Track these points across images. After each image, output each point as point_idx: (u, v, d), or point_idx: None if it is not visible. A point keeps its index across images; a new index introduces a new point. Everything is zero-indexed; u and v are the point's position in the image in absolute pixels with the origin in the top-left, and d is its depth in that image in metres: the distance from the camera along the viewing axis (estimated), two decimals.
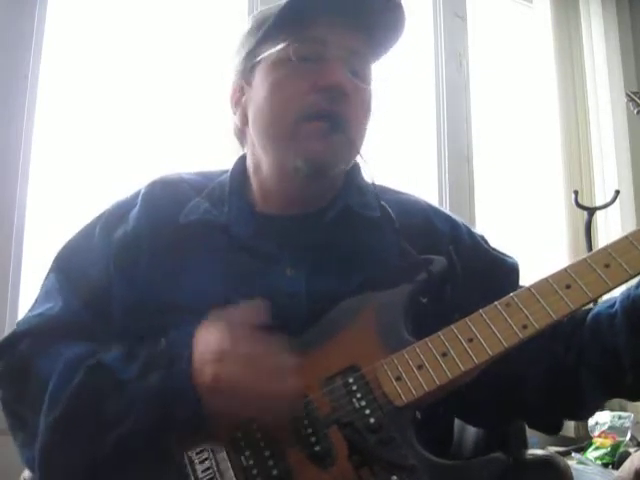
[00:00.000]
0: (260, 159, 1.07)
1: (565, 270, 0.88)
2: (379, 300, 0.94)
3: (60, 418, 0.84)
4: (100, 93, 2.02)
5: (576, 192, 2.43)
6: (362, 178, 1.12)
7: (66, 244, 1.08)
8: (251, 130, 1.07)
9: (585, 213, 2.40)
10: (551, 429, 1.07)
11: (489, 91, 2.73)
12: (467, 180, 2.51)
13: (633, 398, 1.04)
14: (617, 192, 2.38)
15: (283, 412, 0.81)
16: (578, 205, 2.42)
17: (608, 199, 2.42)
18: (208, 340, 0.83)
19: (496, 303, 0.87)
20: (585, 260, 0.88)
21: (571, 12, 2.94)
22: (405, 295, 0.94)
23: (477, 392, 0.97)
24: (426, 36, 2.60)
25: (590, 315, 1.00)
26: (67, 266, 1.05)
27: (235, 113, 1.11)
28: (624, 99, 2.00)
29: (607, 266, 0.86)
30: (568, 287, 0.86)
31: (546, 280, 0.88)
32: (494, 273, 1.09)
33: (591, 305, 0.94)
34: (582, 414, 1.09)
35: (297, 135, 0.99)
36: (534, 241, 2.66)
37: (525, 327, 0.84)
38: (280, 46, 1.01)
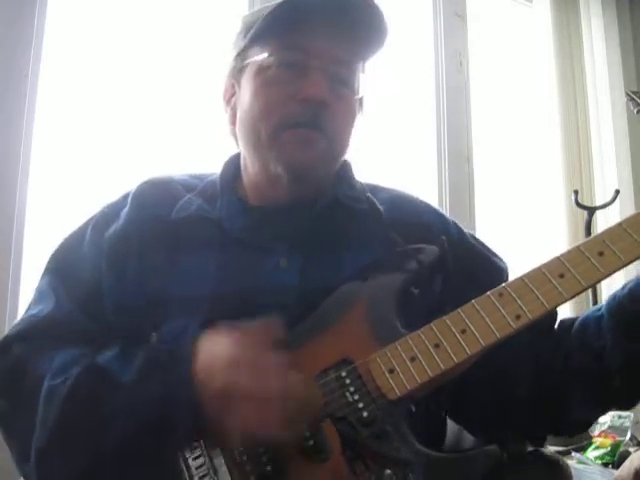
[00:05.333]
0: (247, 159, 1.09)
1: (558, 259, 0.87)
2: (371, 292, 0.94)
3: (56, 420, 0.84)
4: (100, 93, 2.02)
5: (576, 192, 2.43)
6: (352, 175, 1.14)
7: (59, 246, 1.09)
8: (237, 131, 1.09)
9: (585, 213, 2.41)
10: (536, 441, 1.06)
11: (489, 91, 2.73)
12: (467, 180, 2.51)
13: (622, 406, 1.01)
14: (617, 192, 2.38)
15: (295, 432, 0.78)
16: (578, 205, 2.42)
17: (608, 199, 2.43)
18: (215, 349, 0.81)
19: (489, 293, 0.87)
20: (578, 248, 0.87)
21: (571, 12, 2.94)
22: (397, 286, 0.93)
23: (466, 402, 0.99)
24: (426, 36, 2.60)
25: (578, 319, 1.00)
26: (60, 267, 1.05)
27: (226, 111, 1.13)
28: (624, 99, 2.00)
29: (601, 254, 0.85)
30: (561, 276, 0.85)
31: (539, 269, 0.87)
32: (482, 270, 1.09)
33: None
34: (568, 424, 1.04)
35: (276, 142, 1.00)
36: (534, 241, 2.66)
37: (518, 317, 0.83)
38: (264, 55, 1.03)
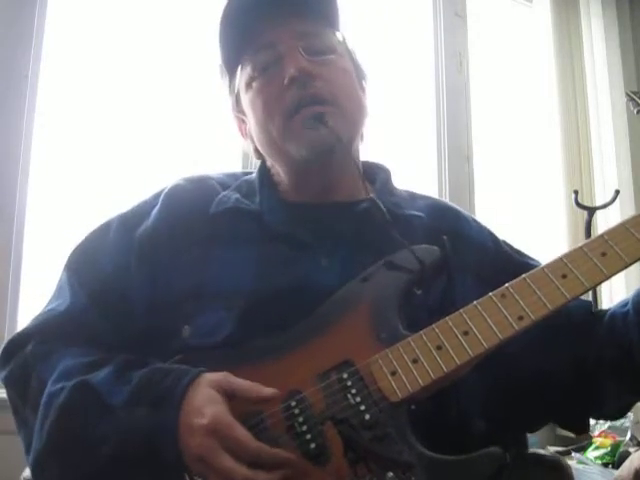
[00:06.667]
0: (278, 172, 1.11)
1: (561, 259, 0.87)
2: (372, 293, 0.93)
3: (50, 431, 0.84)
4: (100, 93, 2.02)
5: (576, 192, 2.41)
6: (392, 182, 1.17)
7: (80, 242, 1.09)
8: (260, 150, 1.11)
9: (585, 213, 2.39)
10: (578, 429, 1.09)
11: (489, 91, 2.73)
12: (467, 179, 2.51)
13: None
14: (617, 192, 2.36)
15: None
16: (578, 205, 2.41)
17: (608, 199, 2.41)
18: (203, 406, 0.79)
19: (491, 294, 0.86)
20: (581, 249, 0.87)
21: (571, 12, 2.93)
22: (399, 287, 0.93)
23: (499, 392, 0.99)
24: (426, 36, 2.61)
25: (608, 313, 1.02)
26: (79, 264, 1.05)
27: (248, 143, 1.16)
28: (624, 99, 2.00)
29: (604, 254, 0.85)
30: (564, 277, 0.85)
31: (542, 270, 0.87)
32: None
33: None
34: (605, 413, 1.10)
35: (292, 130, 1.02)
36: (534, 241, 2.65)
37: (521, 318, 0.83)
38: (239, 73, 1.09)
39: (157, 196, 1.10)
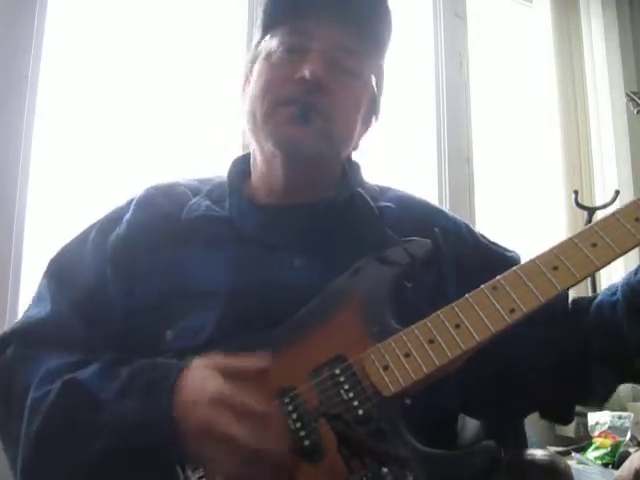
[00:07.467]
0: (253, 147, 1.10)
1: (552, 251, 0.86)
2: (363, 287, 0.93)
3: (38, 433, 0.83)
4: (101, 93, 2.02)
5: (576, 192, 2.43)
6: (362, 177, 1.16)
7: (61, 250, 1.08)
8: (245, 118, 1.10)
9: (585, 213, 2.40)
10: (563, 419, 1.09)
11: (489, 91, 2.73)
12: (467, 180, 2.51)
13: None
14: (617, 192, 2.37)
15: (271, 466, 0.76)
16: (578, 205, 2.41)
17: (608, 199, 2.42)
18: (201, 384, 0.78)
19: (483, 287, 0.86)
20: (572, 240, 0.86)
21: (571, 12, 2.93)
22: (389, 281, 0.93)
23: (483, 385, 0.99)
24: (426, 36, 2.60)
25: (594, 303, 1.01)
26: (60, 271, 1.05)
27: (242, 102, 1.14)
28: (624, 99, 2.00)
29: (594, 245, 0.84)
30: (555, 268, 0.84)
31: (533, 262, 0.87)
32: (502, 269, 1.09)
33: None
34: (593, 401, 1.10)
35: (271, 120, 1.02)
36: (534, 241, 2.65)
37: (513, 311, 0.83)
38: (268, 38, 1.07)
39: (129, 202, 1.10)
